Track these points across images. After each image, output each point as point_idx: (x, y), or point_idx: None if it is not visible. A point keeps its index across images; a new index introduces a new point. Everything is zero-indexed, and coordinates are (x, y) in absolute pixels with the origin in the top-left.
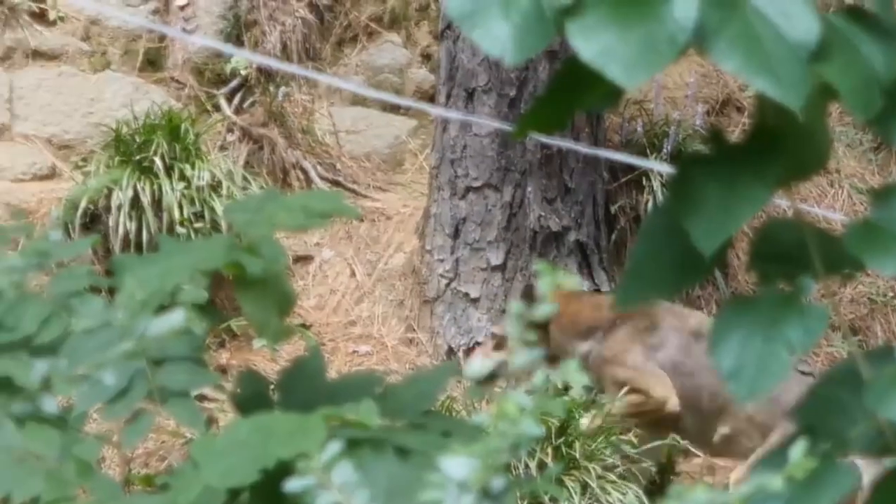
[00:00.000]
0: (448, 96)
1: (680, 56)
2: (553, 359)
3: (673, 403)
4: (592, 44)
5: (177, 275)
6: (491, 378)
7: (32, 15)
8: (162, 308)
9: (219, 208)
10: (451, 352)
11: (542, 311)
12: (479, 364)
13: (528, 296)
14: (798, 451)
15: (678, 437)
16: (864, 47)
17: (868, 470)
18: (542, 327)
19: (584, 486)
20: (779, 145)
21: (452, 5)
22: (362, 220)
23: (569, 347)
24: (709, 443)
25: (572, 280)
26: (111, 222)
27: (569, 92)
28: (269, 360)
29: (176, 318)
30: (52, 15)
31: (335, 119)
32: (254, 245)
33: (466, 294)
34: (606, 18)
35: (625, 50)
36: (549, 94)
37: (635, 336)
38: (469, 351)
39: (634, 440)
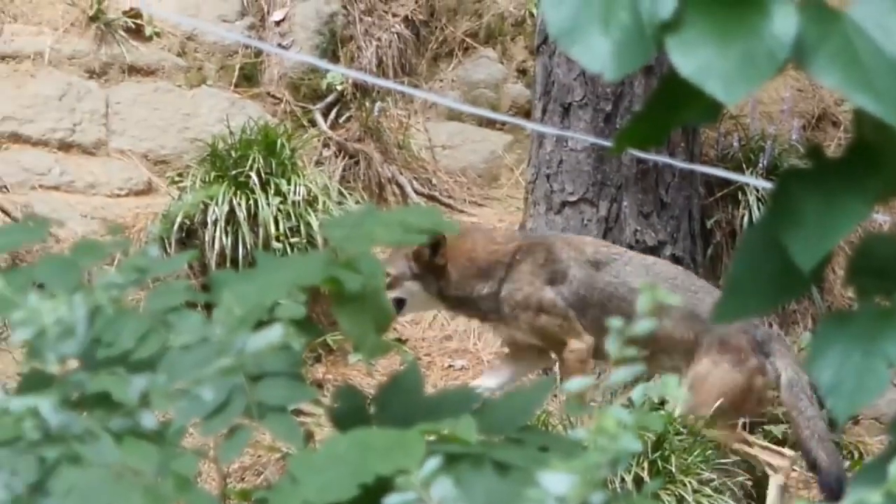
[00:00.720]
0: (544, 111)
1: (779, 72)
2: (454, 301)
3: (590, 341)
4: (692, 59)
5: (275, 291)
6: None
7: (128, 31)
8: (260, 323)
9: (315, 223)
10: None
11: (643, 327)
12: None
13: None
14: None
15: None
16: None
17: (786, 371)
18: (440, 269)
19: (680, 500)
20: (877, 160)
21: (553, 21)
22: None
23: (468, 289)
24: None
25: (672, 298)
26: (207, 237)
27: (667, 107)
28: (366, 374)
29: (274, 333)
30: (148, 31)
31: (431, 134)
32: (352, 261)
33: None
34: (706, 34)
35: (724, 65)
36: (647, 109)
37: (538, 272)
38: None
39: (729, 454)
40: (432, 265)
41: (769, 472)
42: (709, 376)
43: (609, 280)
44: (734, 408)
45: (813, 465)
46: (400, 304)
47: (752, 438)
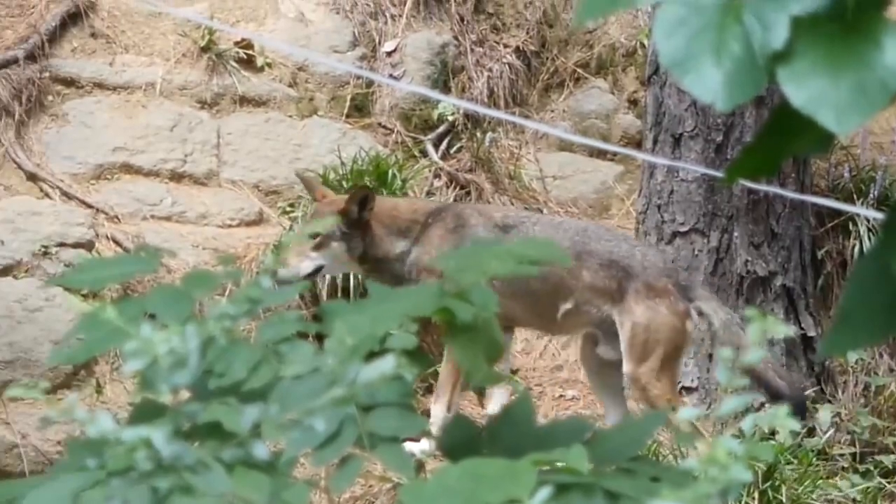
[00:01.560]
0: (655, 142)
1: (892, 102)
2: (372, 262)
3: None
4: (804, 90)
5: (387, 321)
6: (313, 275)
7: (240, 61)
8: (371, 354)
9: None
10: None
11: (754, 357)
12: (302, 265)
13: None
14: None
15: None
16: None
17: (716, 313)
18: (364, 225)
19: None
20: None
21: (665, 52)
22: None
23: (387, 244)
24: (552, 323)
25: (782, 326)
26: None
27: (779, 138)
28: (476, 404)
29: (387, 364)
30: (259, 61)
31: (542, 164)
32: (464, 292)
33: None
34: (818, 65)
35: (836, 96)
36: (759, 140)
37: (447, 237)
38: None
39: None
40: (359, 222)
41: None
42: (650, 323)
43: (517, 239)
44: (677, 353)
45: (775, 395)
46: (318, 269)
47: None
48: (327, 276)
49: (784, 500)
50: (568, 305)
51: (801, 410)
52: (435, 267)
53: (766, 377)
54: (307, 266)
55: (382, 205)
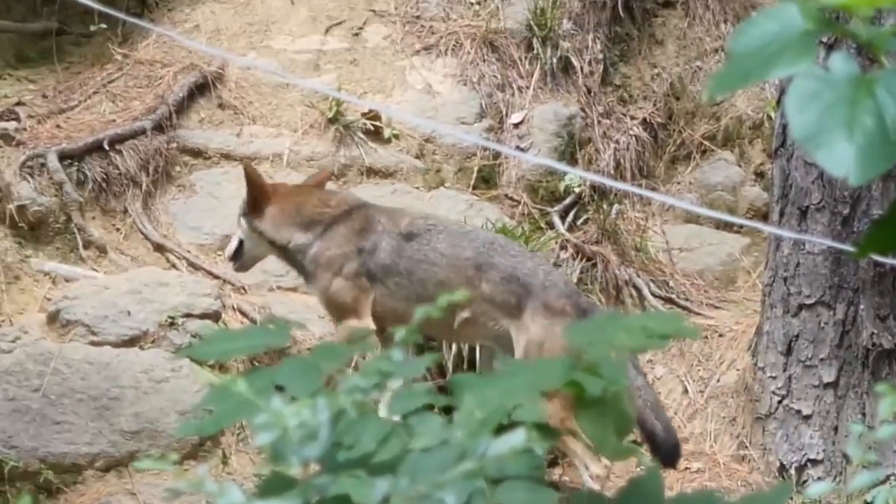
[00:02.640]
0: (781, 214)
1: None
2: (278, 250)
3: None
4: None
5: (517, 394)
6: (238, 254)
7: (367, 133)
8: (500, 427)
9: None
10: (783, 469)
11: (884, 433)
12: (230, 244)
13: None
14: None
15: None
16: None
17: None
18: (264, 210)
19: None
20: None
21: (797, 126)
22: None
23: (284, 233)
24: (449, 330)
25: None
26: None
27: None
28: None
29: (517, 438)
30: (386, 133)
31: (668, 236)
32: (594, 365)
33: (799, 411)
34: None
35: None
36: (891, 214)
37: (351, 238)
38: (801, 469)
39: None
40: (258, 204)
41: (583, 473)
42: (545, 341)
43: (418, 248)
44: None
45: (650, 436)
46: (240, 247)
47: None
48: (453, 347)
49: None
50: (465, 314)
51: (672, 454)
52: (334, 263)
53: (643, 415)
54: (233, 244)
55: (292, 195)
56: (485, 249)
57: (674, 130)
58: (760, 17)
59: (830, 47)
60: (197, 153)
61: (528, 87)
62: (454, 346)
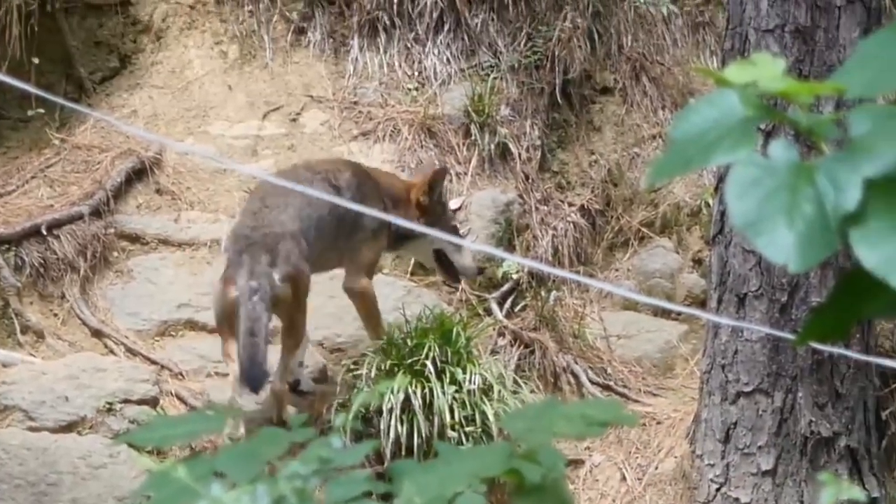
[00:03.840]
0: (719, 301)
1: None
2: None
3: None
4: (876, 252)
5: (456, 482)
6: None
7: None
8: None
9: (490, 412)
10: None
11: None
12: None
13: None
14: None
15: None
16: None
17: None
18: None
19: None
20: None
21: (737, 213)
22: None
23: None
24: None
25: (854, 490)
26: (383, 426)
27: (851, 301)
28: None
29: None
30: None
31: (606, 323)
32: (532, 453)
33: (737, 499)
34: (891, 227)
35: None
36: (830, 302)
37: None
38: None
39: None
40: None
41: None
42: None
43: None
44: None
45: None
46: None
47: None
48: (391, 433)
49: None
50: None
51: (255, 382)
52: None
53: (242, 341)
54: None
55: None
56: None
57: (612, 217)
58: (700, 104)
59: (769, 134)
60: (134, 239)
61: (465, 174)
62: (393, 433)
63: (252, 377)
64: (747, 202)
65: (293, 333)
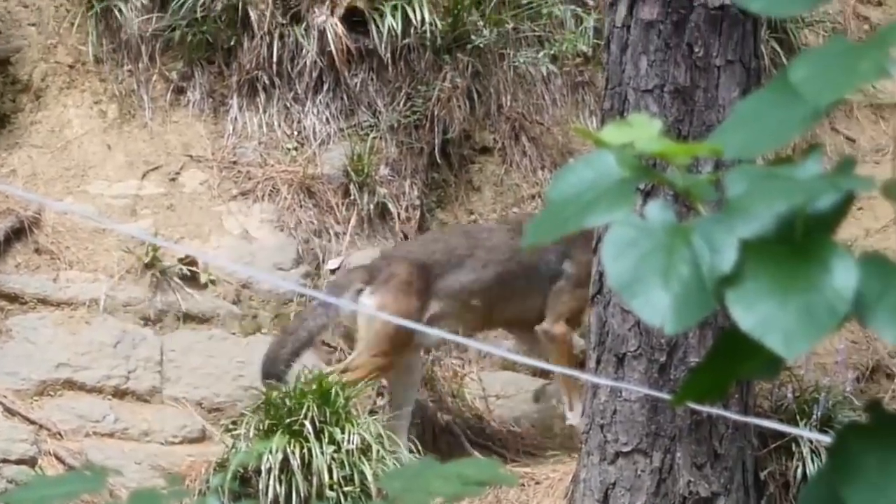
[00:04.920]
0: (598, 361)
1: (840, 326)
2: None
3: None
4: (752, 313)
5: None
6: None
7: (184, 278)
8: None
9: (369, 472)
10: None
11: None
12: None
13: None
14: None
15: None
16: None
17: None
18: None
19: None
20: None
21: (613, 274)
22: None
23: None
24: None
25: None
26: (261, 485)
27: (728, 361)
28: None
29: None
30: (203, 278)
31: (485, 383)
32: None
33: None
34: (766, 288)
35: (785, 320)
36: (707, 363)
37: None
38: None
39: None
40: None
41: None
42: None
43: None
44: None
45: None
46: None
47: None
48: (269, 493)
49: None
50: None
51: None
52: None
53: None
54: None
55: None
56: None
57: None
58: (578, 165)
59: (648, 194)
60: (13, 298)
61: (344, 233)
62: (271, 493)
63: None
64: (623, 263)
65: None
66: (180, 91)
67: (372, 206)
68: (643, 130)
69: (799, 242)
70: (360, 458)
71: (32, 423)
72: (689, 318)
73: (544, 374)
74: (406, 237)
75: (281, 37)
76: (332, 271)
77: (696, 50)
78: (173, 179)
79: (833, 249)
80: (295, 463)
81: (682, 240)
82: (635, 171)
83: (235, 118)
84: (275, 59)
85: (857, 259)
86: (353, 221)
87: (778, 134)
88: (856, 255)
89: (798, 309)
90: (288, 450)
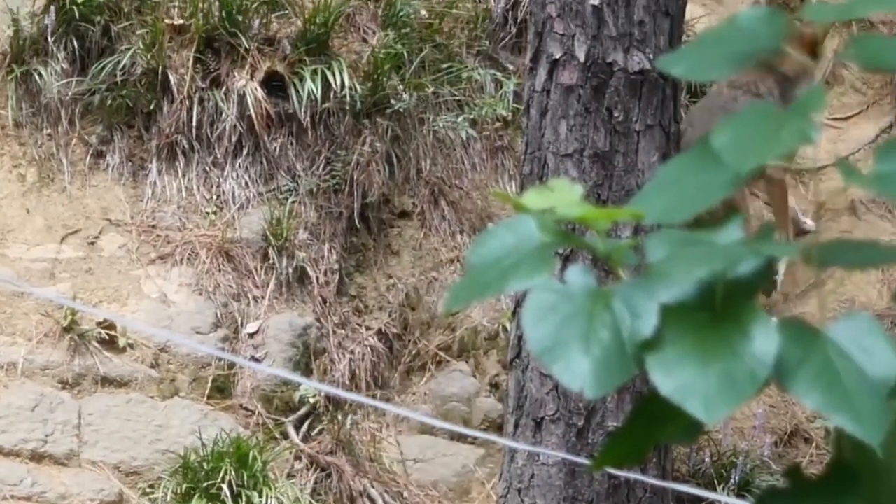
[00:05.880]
0: (516, 425)
1: (760, 392)
2: None
3: None
4: (672, 378)
5: None
6: None
7: (102, 342)
8: None
9: None
10: None
11: None
12: None
13: None
14: None
15: None
16: None
17: None
18: None
19: None
20: (856, 481)
21: (534, 339)
22: None
23: None
24: None
25: None
26: None
27: (648, 426)
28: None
29: None
30: (121, 342)
31: (403, 447)
32: None
33: None
34: (686, 353)
35: (705, 385)
36: (627, 428)
37: None
38: None
39: None
40: None
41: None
42: None
43: None
44: None
45: None
46: None
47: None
48: None
49: None
50: None
51: None
52: None
53: None
54: None
55: None
56: None
57: (409, 341)
58: (498, 230)
59: (566, 258)
60: None
61: (263, 297)
62: None
63: None
64: (544, 328)
65: None
66: (100, 155)
67: (291, 270)
68: (564, 195)
69: (720, 308)
70: None
71: None
72: (610, 383)
73: (462, 437)
74: (325, 301)
75: (201, 101)
76: (251, 335)
77: (616, 114)
78: (92, 243)
79: (754, 315)
80: None
81: (603, 305)
82: (556, 236)
83: (155, 182)
84: (194, 123)
85: (778, 324)
86: (271, 285)
87: (699, 199)
88: (776, 320)
89: (718, 374)
90: None
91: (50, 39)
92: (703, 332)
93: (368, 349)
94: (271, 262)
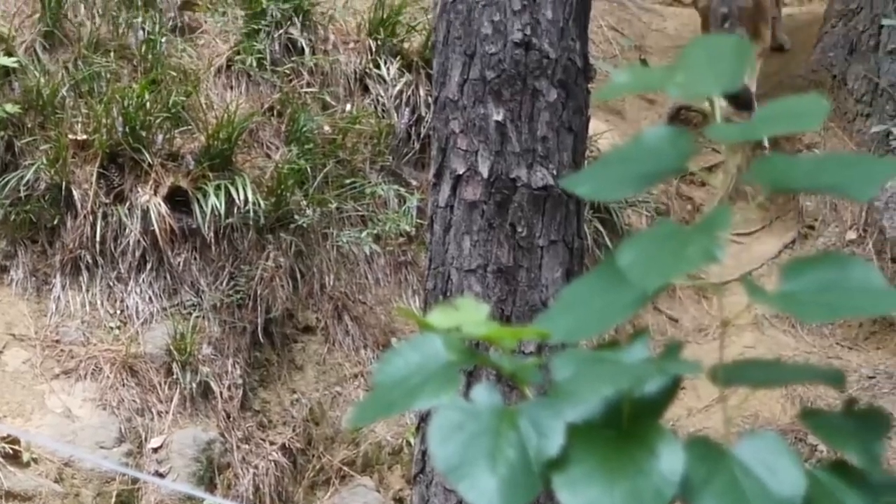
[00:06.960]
0: None
1: None
2: None
3: None
4: (578, 497)
5: None
6: None
7: (6, 456)
8: None
9: None
10: None
11: None
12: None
13: None
14: None
15: None
16: (848, 502)
17: None
18: None
19: None
20: None
21: (440, 457)
22: None
23: None
24: None
25: None
26: None
27: None
28: None
29: None
30: (25, 457)
31: None
32: None
33: None
34: (593, 472)
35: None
36: None
37: None
38: None
39: None
40: None
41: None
42: None
43: None
44: None
45: None
46: None
47: None
48: None
49: None
50: None
51: None
52: None
53: None
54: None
55: None
56: None
57: (313, 456)
58: (404, 348)
59: (471, 374)
60: None
61: (167, 412)
62: None
63: None
64: (450, 446)
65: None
66: (3, 270)
67: (194, 385)
68: (469, 314)
69: (626, 426)
70: None
71: None
72: (516, 501)
73: None
74: (229, 416)
75: (104, 216)
76: (155, 450)
77: (520, 230)
78: None
79: (660, 433)
80: None
81: (509, 423)
82: (462, 354)
83: (59, 297)
84: (98, 238)
85: (684, 442)
86: (175, 400)
87: (604, 318)
88: (681, 437)
89: (624, 493)
90: None
91: None
92: (610, 450)
93: (272, 464)
94: (175, 376)
